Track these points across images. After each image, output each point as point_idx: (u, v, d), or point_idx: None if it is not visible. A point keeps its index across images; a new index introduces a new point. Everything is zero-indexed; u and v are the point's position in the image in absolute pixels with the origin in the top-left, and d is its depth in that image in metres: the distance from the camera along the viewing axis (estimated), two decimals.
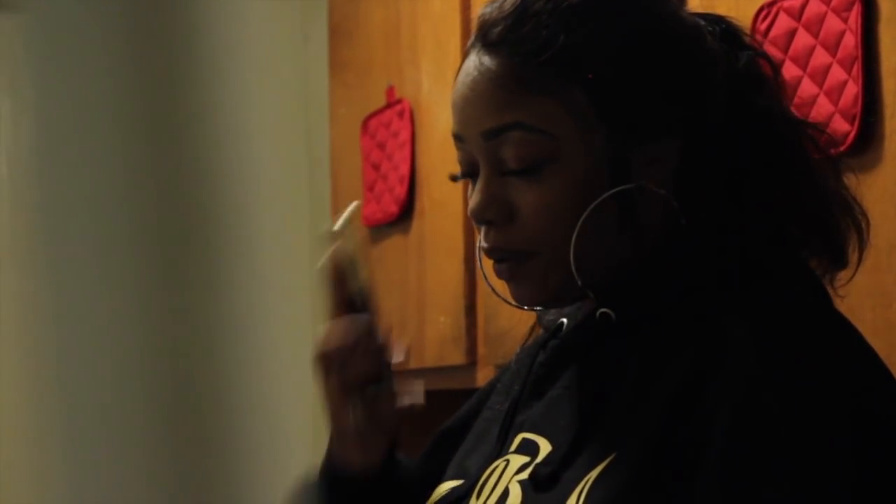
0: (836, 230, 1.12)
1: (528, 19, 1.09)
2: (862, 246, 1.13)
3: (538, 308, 1.18)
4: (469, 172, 1.14)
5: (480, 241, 1.13)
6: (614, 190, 1.08)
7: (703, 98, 1.10)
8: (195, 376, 2.94)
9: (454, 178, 1.17)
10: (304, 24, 3.07)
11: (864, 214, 1.13)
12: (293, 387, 2.96)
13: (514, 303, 1.15)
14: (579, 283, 1.09)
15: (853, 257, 1.13)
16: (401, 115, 2.34)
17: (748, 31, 1.17)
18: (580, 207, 1.08)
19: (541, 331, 1.21)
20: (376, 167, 2.43)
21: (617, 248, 1.10)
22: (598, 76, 1.08)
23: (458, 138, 1.13)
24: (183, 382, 2.92)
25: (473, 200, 1.11)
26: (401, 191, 2.32)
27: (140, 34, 2.98)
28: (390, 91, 2.39)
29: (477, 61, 1.11)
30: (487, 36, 1.11)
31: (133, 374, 2.88)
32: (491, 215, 1.10)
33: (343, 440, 1.19)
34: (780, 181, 1.11)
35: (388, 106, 2.40)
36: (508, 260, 1.11)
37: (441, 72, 2.22)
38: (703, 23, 1.13)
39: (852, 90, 1.35)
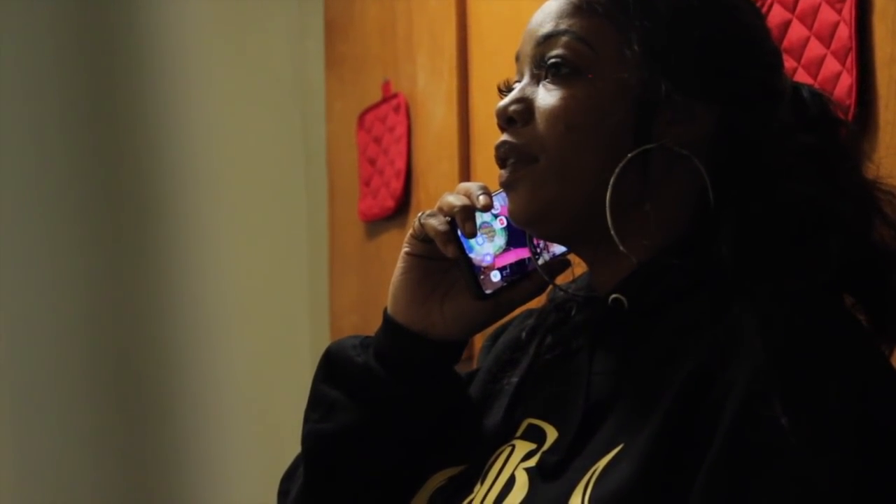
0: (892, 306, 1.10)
1: None
2: None
3: (531, 228, 1.16)
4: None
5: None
6: (640, 149, 1.09)
7: (750, 86, 1.11)
8: (170, 371, 2.95)
9: (501, 91, 1.17)
10: (300, 19, 3.07)
11: None
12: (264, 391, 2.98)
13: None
14: (612, 221, 1.09)
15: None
16: (397, 109, 2.34)
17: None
18: (593, 130, 1.10)
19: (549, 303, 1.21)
20: (372, 162, 2.43)
21: (639, 216, 1.10)
22: (658, 19, 1.10)
23: (516, 58, 1.17)
24: (145, 372, 2.93)
25: (503, 100, 1.14)
26: (397, 185, 2.32)
27: (118, 28, 2.98)
28: (386, 86, 2.39)
29: None
30: None
31: (81, 357, 2.89)
32: (513, 111, 1.13)
33: (436, 303, 1.18)
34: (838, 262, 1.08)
35: (384, 101, 2.40)
36: (511, 159, 1.13)
37: (436, 66, 2.22)
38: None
39: (846, 81, 1.35)
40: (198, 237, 3.03)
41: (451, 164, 2.17)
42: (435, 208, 1.17)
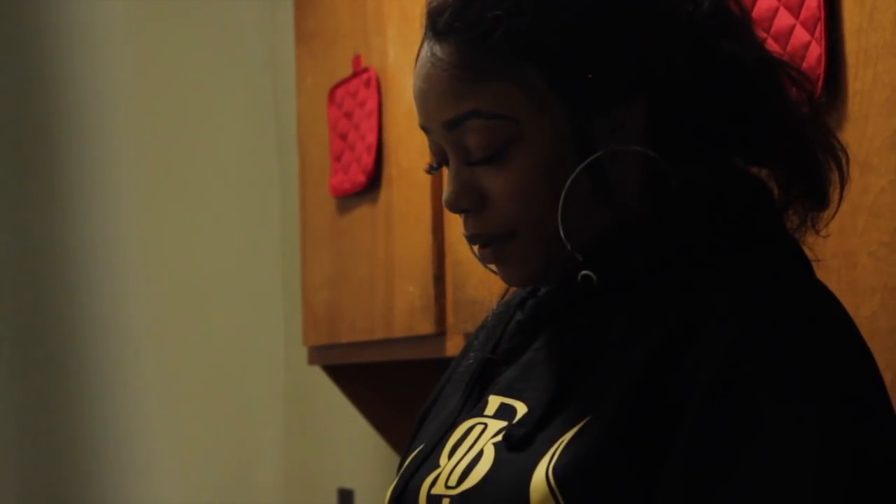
0: (818, 170, 1.12)
1: (472, 4, 1.09)
2: (843, 182, 1.13)
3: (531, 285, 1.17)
4: (441, 161, 1.14)
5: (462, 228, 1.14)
6: (585, 163, 1.08)
7: (662, 53, 1.09)
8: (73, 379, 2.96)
9: (430, 171, 1.17)
10: None
11: (844, 151, 1.13)
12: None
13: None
14: (571, 251, 1.09)
15: (833, 195, 1.13)
16: (367, 84, 2.34)
17: None
18: (551, 184, 1.08)
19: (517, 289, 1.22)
20: (343, 137, 2.42)
21: (597, 216, 1.10)
22: (547, 51, 1.07)
23: (424, 129, 1.14)
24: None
25: (446, 191, 1.12)
26: (368, 160, 2.32)
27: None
28: (356, 60, 2.39)
29: (429, 52, 1.11)
30: (436, 25, 1.11)
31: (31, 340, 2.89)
32: (465, 204, 1.11)
33: None
34: (756, 129, 1.11)
35: (355, 75, 2.39)
36: (490, 244, 1.12)
37: (407, 40, 2.21)
38: None
39: (815, 51, 1.35)
40: (169, 214, 3.03)
41: (423, 138, 2.15)
42: None
